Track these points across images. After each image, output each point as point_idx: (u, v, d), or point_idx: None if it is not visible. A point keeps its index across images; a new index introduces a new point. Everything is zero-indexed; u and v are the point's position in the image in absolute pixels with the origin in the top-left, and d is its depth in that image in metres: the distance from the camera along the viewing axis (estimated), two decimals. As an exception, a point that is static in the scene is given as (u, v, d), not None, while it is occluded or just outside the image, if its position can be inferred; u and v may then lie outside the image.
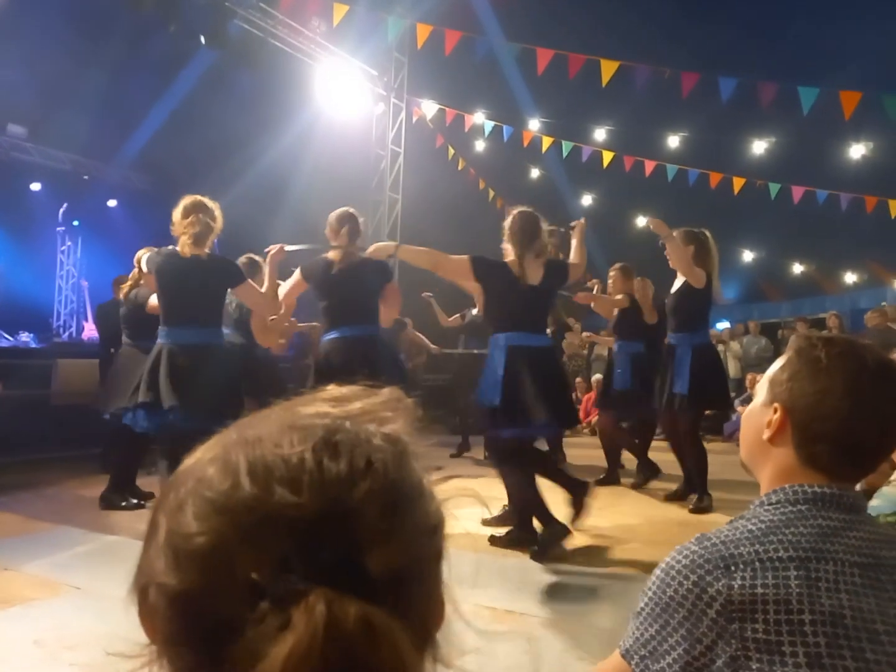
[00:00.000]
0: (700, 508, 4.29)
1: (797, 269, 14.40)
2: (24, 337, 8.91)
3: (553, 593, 2.88)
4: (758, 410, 1.01)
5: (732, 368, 10.23)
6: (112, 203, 12.53)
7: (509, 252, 3.48)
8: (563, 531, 3.33)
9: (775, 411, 0.96)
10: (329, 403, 0.45)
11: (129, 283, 4.62)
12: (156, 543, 0.41)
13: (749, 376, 8.89)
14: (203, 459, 0.42)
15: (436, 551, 0.43)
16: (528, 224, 3.47)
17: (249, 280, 3.54)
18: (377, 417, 0.44)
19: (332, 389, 0.47)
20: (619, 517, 4.16)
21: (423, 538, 0.41)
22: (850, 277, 14.59)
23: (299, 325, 5.08)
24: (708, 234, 4.52)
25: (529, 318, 3.44)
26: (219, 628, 0.36)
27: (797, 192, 10.28)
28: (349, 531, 0.37)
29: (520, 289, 3.38)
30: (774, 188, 10.30)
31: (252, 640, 0.35)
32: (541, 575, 3.10)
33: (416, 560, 0.40)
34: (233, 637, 0.36)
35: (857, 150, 9.23)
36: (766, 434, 0.97)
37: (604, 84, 8.51)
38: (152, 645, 0.41)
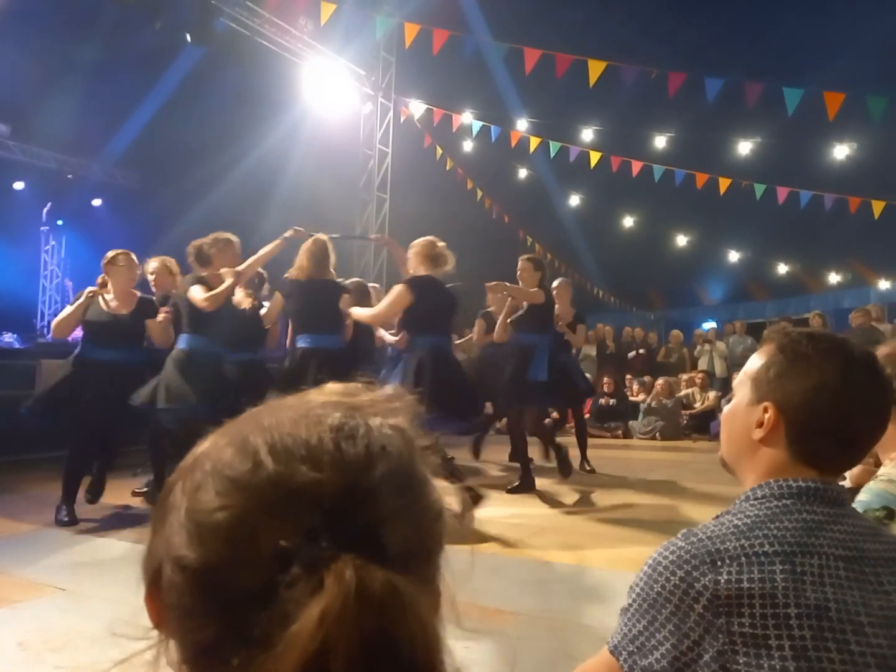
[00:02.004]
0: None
1: (782, 269, 14.53)
2: (8, 337, 8.82)
3: (543, 591, 2.88)
4: (743, 410, 1.00)
5: (718, 368, 10.32)
6: (97, 202, 12.43)
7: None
8: None
9: (766, 410, 0.95)
10: (338, 395, 0.47)
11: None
12: (171, 524, 0.42)
13: (735, 375, 8.95)
14: (218, 444, 0.43)
15: (439, 537, 0.44)
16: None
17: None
18: (383, 410, 0.46)
19: (338, 385, 0.49)
20: (608, 513, 4.18)
21: (431, 521, 0.43)
22: (834, 277, 14.75)
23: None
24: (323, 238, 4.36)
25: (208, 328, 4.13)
26: (245, 597, 0.37)
27: (782, 193, 10.36)
28: (369, 508, 0.39)
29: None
30: (760, 189, 10.38)
31: (285, 602, 0.36)
32: (531, 573, 3.11)
33: (425, 542, 0.42)
34: (262, 603, 0.37)
35: (842, 151, 9.31)
36: (759, 434, 0.96)
37: (591, 84, 8.53)
38: (158, 629, 0.43)
